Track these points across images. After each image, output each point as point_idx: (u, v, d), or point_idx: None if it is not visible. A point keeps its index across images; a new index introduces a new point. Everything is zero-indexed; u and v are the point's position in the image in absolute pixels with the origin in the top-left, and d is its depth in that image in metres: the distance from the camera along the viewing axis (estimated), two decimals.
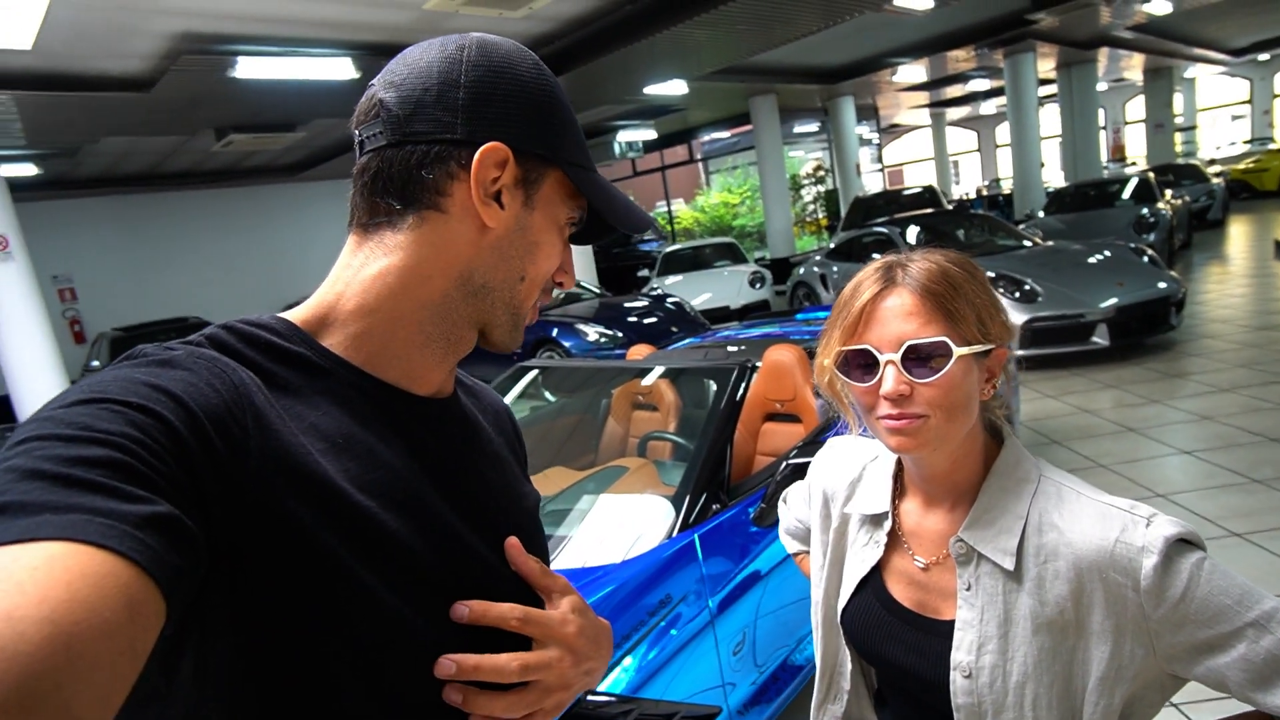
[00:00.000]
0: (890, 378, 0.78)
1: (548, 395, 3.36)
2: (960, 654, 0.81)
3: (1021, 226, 8.69)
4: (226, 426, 0.47)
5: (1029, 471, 0.84)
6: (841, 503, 0.98)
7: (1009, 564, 0.79)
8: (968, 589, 0.82)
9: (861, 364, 0.81)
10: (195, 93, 6.94)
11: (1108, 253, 6.30)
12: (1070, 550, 0.77)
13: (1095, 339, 5.58)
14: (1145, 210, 9.19)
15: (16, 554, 0.34)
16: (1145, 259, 6.19)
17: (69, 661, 0.33)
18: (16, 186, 7.69)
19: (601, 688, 1.57)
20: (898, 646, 0.88)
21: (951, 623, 0.83)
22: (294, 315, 0.59)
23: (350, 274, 0.59)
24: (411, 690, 0.55)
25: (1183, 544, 0.74)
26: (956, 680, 0.81)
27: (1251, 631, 0.71)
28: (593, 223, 0.67)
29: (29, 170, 9.35)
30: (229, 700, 0.48)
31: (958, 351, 0.76)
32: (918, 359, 0.77)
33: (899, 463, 0.94)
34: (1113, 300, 5.59)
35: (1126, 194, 10.17)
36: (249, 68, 6.13)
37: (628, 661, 1.62)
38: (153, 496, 0.40)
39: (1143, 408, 4.61)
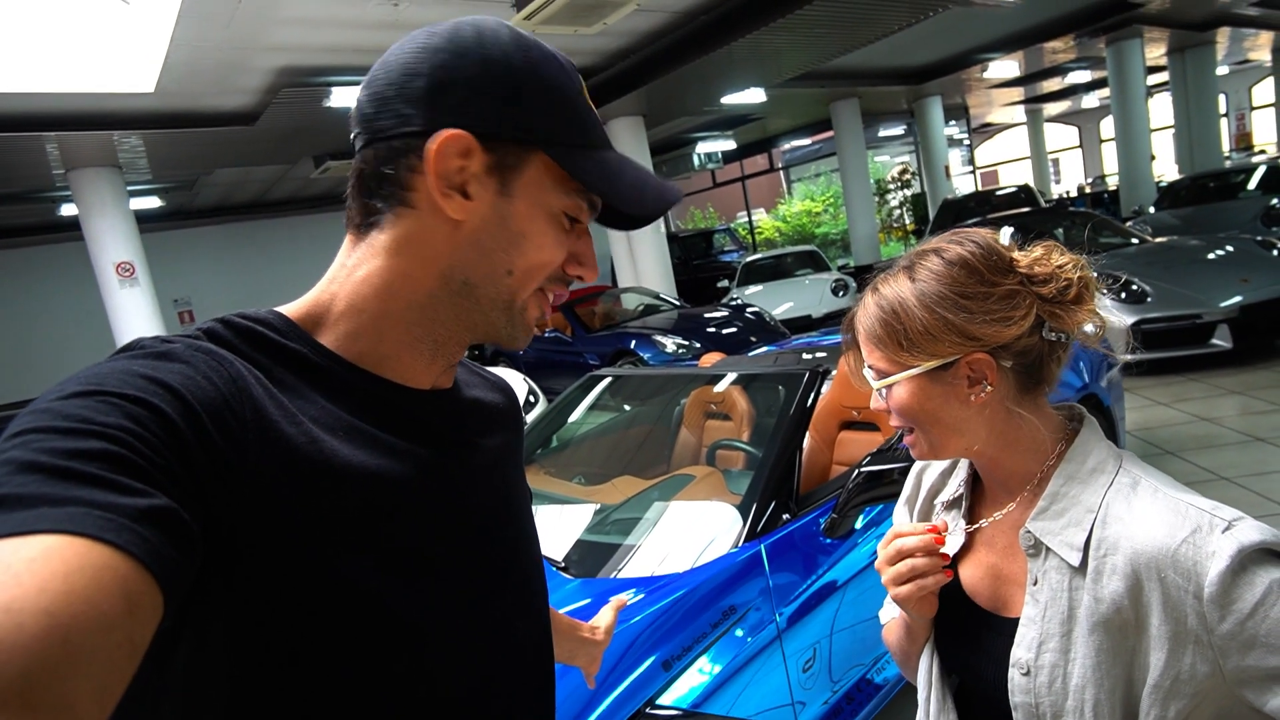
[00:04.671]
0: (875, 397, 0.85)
1: (625, 406, 3.35)
2: (1020, 650, 0.76)
3: (1129, 224, 8.09)
4: (224, 419, 0.46)
5: (1104, 462, 0.77)
6: (928, 494, 0.96)
7: (1074, 559, 0.73)
8: (1034, 584, 0.77)
9: None
10: (295, 123, 7.41)
11: (1230, 248, 5.74)
12: (1130, 544, 0.70)
13: (1216, 341, 5.09)
14: (1276, 201, 8.35)
15: (14, 547, 0.34)
16: (1275, 253, 5.62)
17: (67, 654, 0.33)
18: (142, 218, 8.39)
19: (664, 701, 1.53)
20: (971, 647, 0.83)
21: (1017, 620, 0.78)
22: (290, 311, 0.59)
23: (344, 274, 0.59)
24: (414, 682, 0.53)
25: (1267, 554, 0.65)
26: (1014, 678, 0.76)
27: None
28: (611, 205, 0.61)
29: (154, 203, 10.24)
30: (223, 694, 0.48)
31: (878, 384, 0.81)
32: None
33: None
34: (1236, 298, 5.09)
35: (1253, 184, 9.27)
36: (343, 97, 6.51)
37: (689, 676, 1.57)
38: (150, 489, 0.40)
39: (1274, 415, 4.18)
